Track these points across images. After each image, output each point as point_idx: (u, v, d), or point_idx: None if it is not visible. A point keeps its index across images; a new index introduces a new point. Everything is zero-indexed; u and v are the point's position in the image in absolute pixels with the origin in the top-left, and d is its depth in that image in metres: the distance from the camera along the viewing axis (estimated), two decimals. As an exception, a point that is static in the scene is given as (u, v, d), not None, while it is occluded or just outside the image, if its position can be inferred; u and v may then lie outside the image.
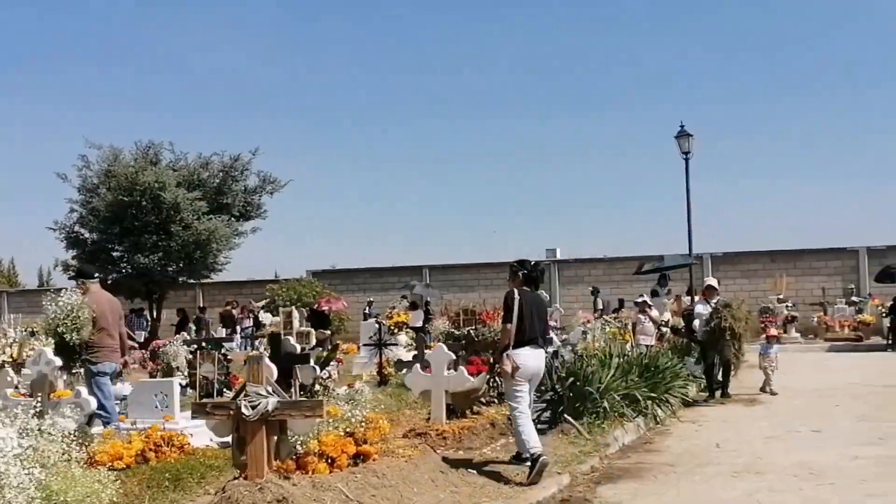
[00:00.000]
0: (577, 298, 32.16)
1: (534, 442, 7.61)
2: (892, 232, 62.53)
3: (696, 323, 13.44)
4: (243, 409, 6.36)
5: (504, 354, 7.76)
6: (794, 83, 59.69)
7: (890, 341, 24.01)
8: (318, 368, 10.15)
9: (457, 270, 35.00)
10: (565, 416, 9.50)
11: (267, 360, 6.59)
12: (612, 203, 60.07)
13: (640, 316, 16.48)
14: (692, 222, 22.46)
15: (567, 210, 59.85)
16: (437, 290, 31.06)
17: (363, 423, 7.33)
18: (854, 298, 29.57)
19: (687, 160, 22.54)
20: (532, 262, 8.28)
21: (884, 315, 26.17)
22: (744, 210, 56.42)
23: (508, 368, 7.72)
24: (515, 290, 7.92)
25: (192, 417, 7.42)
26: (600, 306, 22.56)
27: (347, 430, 7.17)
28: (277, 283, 32.39)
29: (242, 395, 6.53)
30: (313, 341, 12.48)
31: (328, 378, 10.58)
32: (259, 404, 6.35)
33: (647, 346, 15.79)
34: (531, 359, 7.82)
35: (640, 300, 17.04)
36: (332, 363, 11.50)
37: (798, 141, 57.85)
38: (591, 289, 29.29)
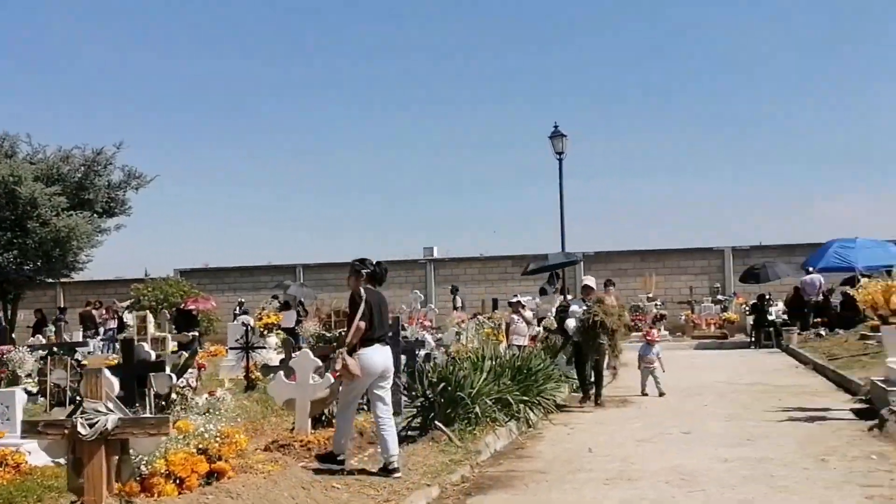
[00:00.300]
0: (452, 297, 32.04)
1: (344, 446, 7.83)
2: (756, 233, 65.23)
3: (571, 322, 13.39)
4: (79, 428, 5.76)
5: (351, 354, 7.64)
6: (664, 84, 61.48)
7: (753, 339, 24.80)
8: (174, 376, 9.54)
9: (332, 269, 34.41)
10: (436, 422, 9.18)
11: (107, 373, 6.01)
12: (490, 202, 60.35)
13: (514, 316, 16.37)
14: (565, 221, 22.63)
15: (445, 209, 59.83)
16: (311, 290, 30.45)
17: (218, 438, 6.80)
18: (719, 297, 30.58)
19: (560, 160, 22.71)
20: (375, 261, 8.17)
21: (747, 313, 27.06)
22: (615, 210, 57.72)
23: (356, 369, 7.59)
24: (361, 289, 7.84)
25: (22, 437, 6.72)
26: (458, 304, 22.31)
27: (200, 446, 6.63)
28: (143, 282, 31.13)
29: (79, 412, 5.92)
30: (170, 347, 11.75)
31: (185, 386, 9.97)
32: (97, 422, 5.76)
33: (519, 346, 15.69)
34: (379, 356, 7.82)
35: (513, 300, 16.94)
36: (191, 369, 10.87)
37: (668, 142, 59.61)
38: (450, 287, 29.19)
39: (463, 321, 17.93)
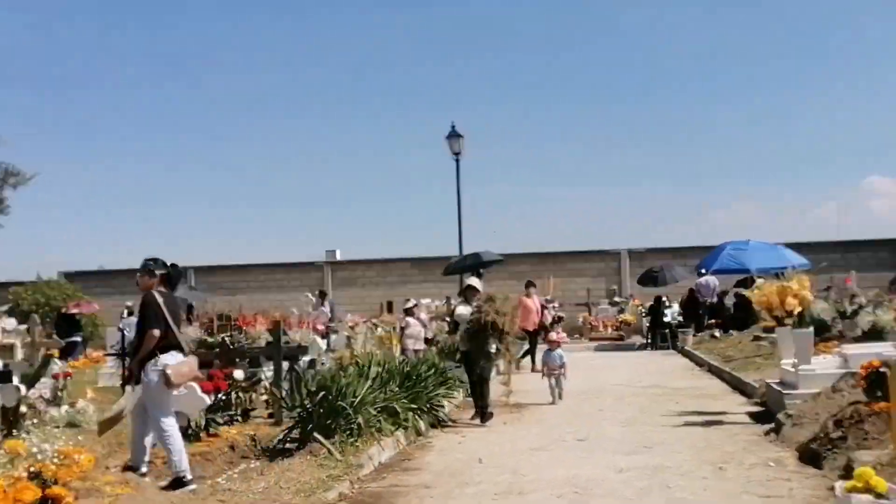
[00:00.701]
0: (351, 300, 31.28)
1: (186, 464, 7.09)
2: (652, 235, 66.37)
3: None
4: None
5: (151, 363, 7.07)
6: (559, 88, 61.85)
7: (649, 340, 24.84)
8: (23, 387, 8.59)
9: (224, 272, 33.20)
10: (315, 434, 8.47)
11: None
12: (392, 204, 59.51)
13: (409, 319, 15.76)
14: (462, 222, 22.17)
15: (348, 211, 58.61)
16: (201, 293, 29.21)
17: (56, 459, 5.97)
18: (616, 299, 30.67)
19: (457, 161, 22.24)
20: (170, 263, 7.62)
21: (644, 315, 27.13)
22: (512, 213, 57.78)
23: (156, 378, 7.02)
24: (155, 292, 7.27)
25: None
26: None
27: (33, 469, 5.78)
28: (22, 285, 29.39)
29: None
30: (19, 355, 10.72)
31: (38, 398, 9.01)
32: None
33: (414, 350, 15.10)
34: (184, 365, 7.31)
35: (407, 305, 16.33)
36: (51, 378, 9.89)
37: (565, 147, 60.00)
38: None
39: (356, 325, 17.22)
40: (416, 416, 10.23)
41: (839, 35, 55.89)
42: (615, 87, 60.95)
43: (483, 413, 11.19)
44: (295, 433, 8.87)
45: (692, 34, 58.36)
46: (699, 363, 18.37)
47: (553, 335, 14.40)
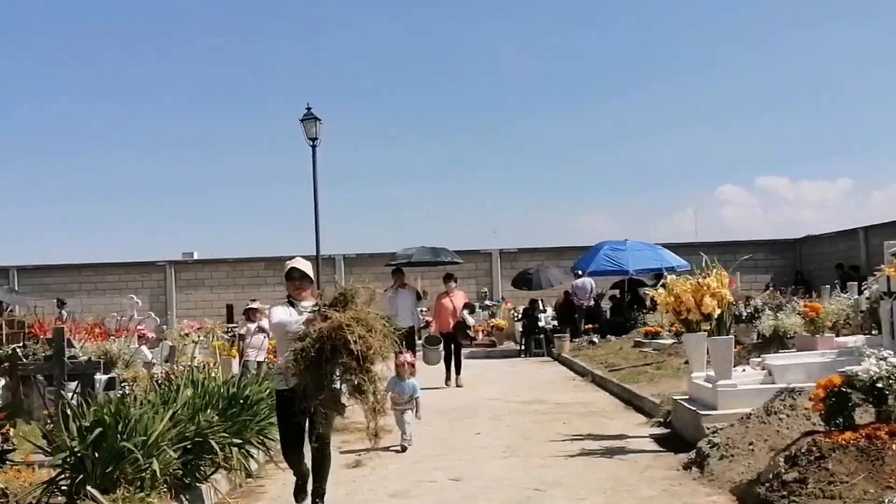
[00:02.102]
0: (196, 304, 28.46)
1: None
2: (523, 236, 65.35)
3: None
4: None
5: None
6: (416, 89, 59.99)
7: (523, 347, 23.07)
8: None
9: (54, 273, 29.63)
10: (88, 488, 6.01)
11: None
12: (247, 202, 55.98)
13: (249, 325, 13.29)
14: (319, 215, 19.85)
15: (205, 210, 54.66)
16: (25, 297, 25.80)
17: None
18: (487, 302, 28.87)
19: (314, 147, 19.88)
20: None
21: (516, 319, 25.44)
22: (368, 215, 55.44)
23: None
24: None
25: None
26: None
27: None
28: None
29: None
30: None
31: None
32: None
33: (258, 363, 12.67)
34: None
35: (250, 305, 13.82)
36: None
37: (431, 150, 58.24)
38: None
39: (188, 332, 14.63)
40: (244, 453, 7.87)
41: (692, 55, 56.40)
42: (474, 99, 59.42)
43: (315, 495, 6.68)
44: (64, 484, 6.37)
45: (551, 51, 57.68)
46: (580, 372, 16.64)
47: (402, 356, 9.21)
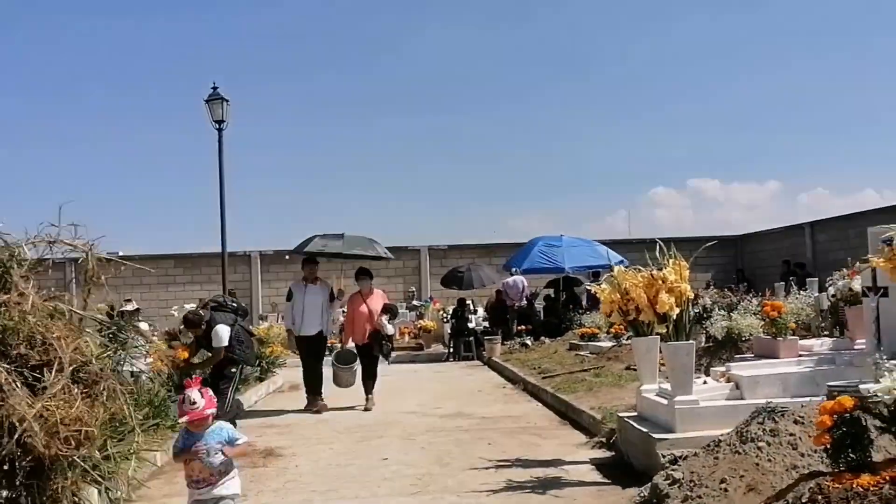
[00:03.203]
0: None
1: None
2: (453, 232, 63.81)
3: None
4: None
5: None
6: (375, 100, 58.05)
7: (451, 350, 21.42)
8: None
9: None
10: None
11: None
12: (154, 195, 52.84)
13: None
14: (226, 207, 17.89)
15: (105, 204, 51.37)
16: None
17: None
18: (415, 302, 27.17)
19: (220, 130, 17.93)
20: None
21: (445, 320, 23.81)
22: (285, 210, 53.07)
23: None
24: None
25: None
26: None
27: None
28: None
29: None
30: None
31: None
32: None
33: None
34: None
35: (127, 307, 11.89)
36: None
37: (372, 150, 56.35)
38: None
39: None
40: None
41: (627, 58, 55.68)
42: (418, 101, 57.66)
43: None
44: None
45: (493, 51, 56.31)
46: (511, 379, 15.03)
47: (189, 390, 5.03)
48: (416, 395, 13.32)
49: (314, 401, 11.92)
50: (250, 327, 11.03)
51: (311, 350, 12.09)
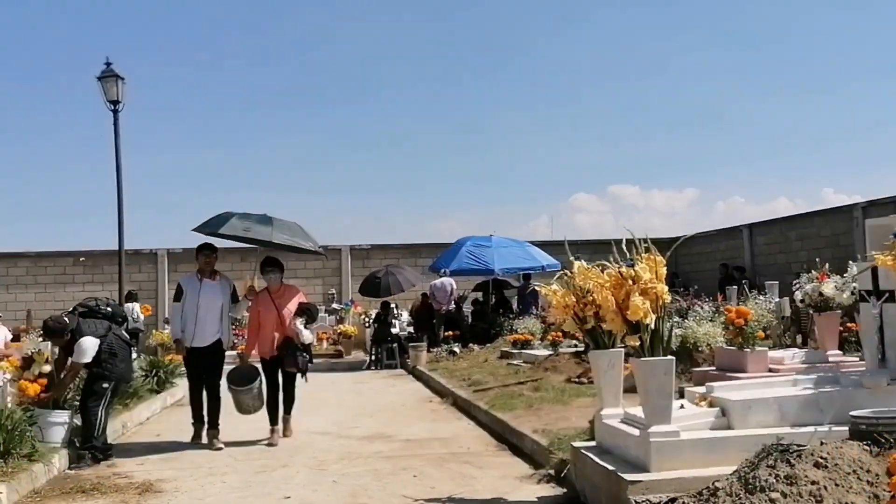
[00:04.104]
0: None
1: None
2: (374, 233, 62.17)
3: None
4: None
5: None
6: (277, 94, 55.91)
7: (373, 357, 19.87)
8: None
9: None
10: None
11: None
12: (46, 186, 49.34)
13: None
14: (124, 198, 16.05)
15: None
16: None
17: None
18: (335, 306, 25.48)
19: (116, 112, 16.10)
20: None
21: (367, 325, 22.25)
22: (196, 199, 50.49)
23: None
24: None
25: None
26: None
27: None
28: None
29: None
30: None
31: None
32: None
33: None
34: None
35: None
36: None
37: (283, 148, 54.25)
38: None
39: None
40: None
41: (553, 63, 55.04)
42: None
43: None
44: None
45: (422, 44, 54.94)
46: (439, 391, 13.59)
47: None
48: (332, 410, 11.78)
49: (203, 432, 9.32)
50: (127, 336, 9.19)
51: (205, 365, 9.32)
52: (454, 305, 20.43)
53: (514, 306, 20.99)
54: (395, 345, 19.63)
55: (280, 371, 9.48)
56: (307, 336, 9.50)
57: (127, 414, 10.98)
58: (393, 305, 21.13)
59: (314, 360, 10.18)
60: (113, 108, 15.95)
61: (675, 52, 53.35)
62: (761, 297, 10.69)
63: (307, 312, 9.60)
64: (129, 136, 39.03)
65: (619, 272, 5.43)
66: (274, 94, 54.39)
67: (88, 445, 8.22)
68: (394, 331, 20.33)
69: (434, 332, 19.85)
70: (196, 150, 50.75)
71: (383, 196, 53.94)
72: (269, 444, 9.11)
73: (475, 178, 54.17)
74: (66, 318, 8.39)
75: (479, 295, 22.64)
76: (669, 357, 5.37)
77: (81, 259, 25.25)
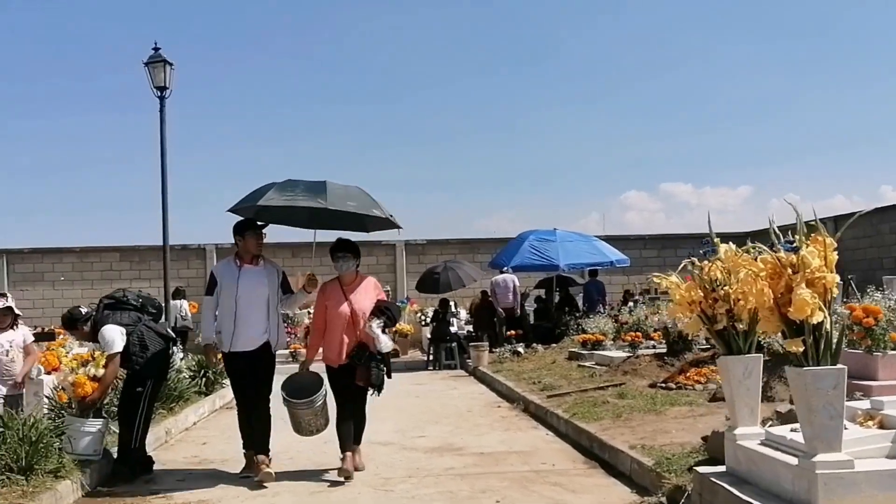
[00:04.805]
0: (34, 303, 23.67)
1: None
2: (428, 230, 61.11)
3: None
4: None
5: None
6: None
7: (431, 357, 18.87)
8: None
9: None
10: None
11: None
12: (89, 182, 48.90)
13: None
14: (167, 187, 15.19)
15: (40, 191, 47.65)
16: None
17: None
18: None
19: (163, 99, 15.27)
20: None
21: (424, 324, 21.26)
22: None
23: None
24: None
25: None
26: None
27: None
28: None
29: None
30: None
31: None
32: None
33: (4, 398, 8.03)
34: None
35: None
36: None
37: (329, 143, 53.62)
38: None
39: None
40: None
41: (601, 62, 53.63)
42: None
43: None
44: None
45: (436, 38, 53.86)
46: (506, 395, 12.50)
47: None
48: (392, 415, 10.71)
49: (254, 462, 7.29)
50: (164, 329, 8.02)
51: (252, 376, 7.38)
52: (517, 303, 19.27)
53: (580, 304, 19.81)
54: (454, 344, 18.59)
55: (347, 388, 7.33)
56: (385, 343, 7.27)
57: (171, 419, 10.09)
58: (451, 303, 20.07)
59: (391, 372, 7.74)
60: (160, 94, 15.14)
61: (726, 45, 51.91)
62: (878, 294, 9.38)
63: (387, 313, 7.44)
64: (178, 131, 38.56)
65: (777, 258, 4.27)
66: (320, 89, 53.66)
67: (124, 459, 7.29)
68: (452, 329, 19.27)
69: (495, 331, 18.75)
70: (246, 145, 50.31)
71: (431, 194, 53.06)
72: (343, 476, 7.03)
73: (523, 175, 53.06)
74: (83, 309, 7.53)
75: (542, 292, 21.49)
76: (840, 366, 4.21)
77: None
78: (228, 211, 7.51)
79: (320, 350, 7.54)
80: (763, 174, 53.31)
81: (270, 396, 7.46)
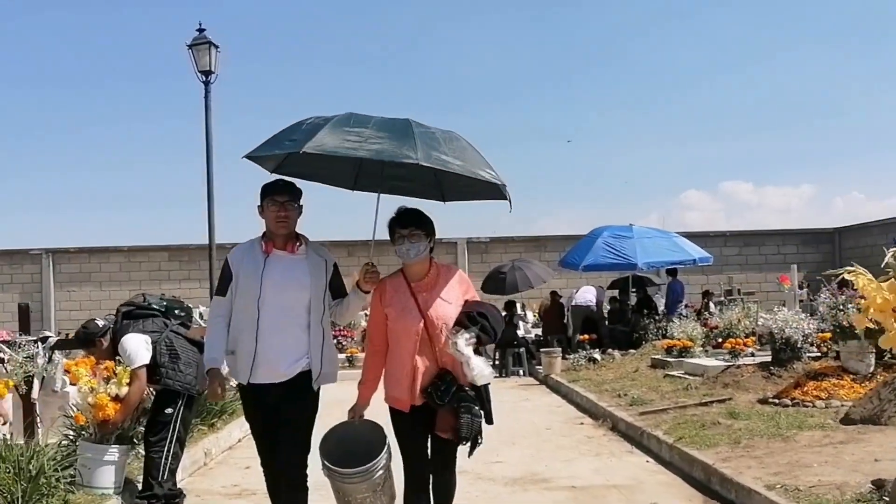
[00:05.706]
0: (80, 304, 22.99)
1: None
2: (487, 228, 59.68)
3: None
4: None
5: None
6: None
7: (497, 363, 17.45)
8: None
9: None
10: None
11: None
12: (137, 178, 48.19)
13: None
14: (213, 177, 14.08)
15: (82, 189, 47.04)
16: None
17: None
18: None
19: (207, 84, 14.17)
20: None
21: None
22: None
23: None
24: None
25: None
26: None
27: None
28: None
29: None
30: None
31: None
32: None
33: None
34: None
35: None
36: None
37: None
38: None
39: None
40: None
41: (659, 66, 51.93)
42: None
43: None
44: None
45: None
46: (587, 409, 11.11)
47: None
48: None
49: None
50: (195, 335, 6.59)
51: (277, 421, 4.66)
52: (594, 305, 17.84)
53: (660, 307, 18.28)
54: (521, 349, 17.22)
55: (431, 436, 4.53)
56: (481, 370, 4.44)
57: (212, 437, 8.90)
58: (518, 305, 18.70)
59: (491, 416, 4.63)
60: (204, 78, 14.05)
61: (787, 45, 49.91)
62: None
63: (481, 321, 4.48)
64: (225, 126, 37.62)
65: None
66: (374, 94, 52.52)
67: (148, 494, 6.05)
68: (519, 333, 17.90)
69: (566, 336, 17.35)
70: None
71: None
72: None
73: (582, 175, 51.45)
74: (100, 322, 6.29)
75: (616, 293, 20.00)
76: None
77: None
78: (245, 157, 4.51)
79: (380, 386, 4.66)
80: (825, 173, 51.36)
81: (308, 456, 4.66)
